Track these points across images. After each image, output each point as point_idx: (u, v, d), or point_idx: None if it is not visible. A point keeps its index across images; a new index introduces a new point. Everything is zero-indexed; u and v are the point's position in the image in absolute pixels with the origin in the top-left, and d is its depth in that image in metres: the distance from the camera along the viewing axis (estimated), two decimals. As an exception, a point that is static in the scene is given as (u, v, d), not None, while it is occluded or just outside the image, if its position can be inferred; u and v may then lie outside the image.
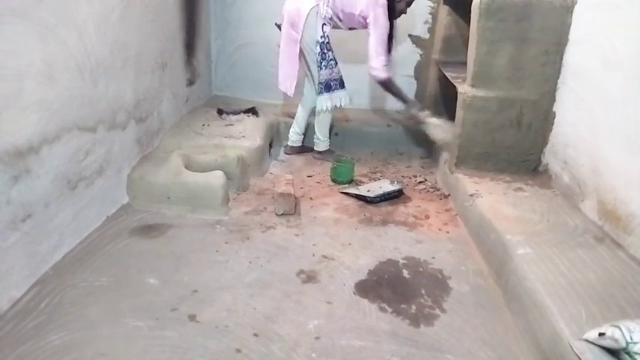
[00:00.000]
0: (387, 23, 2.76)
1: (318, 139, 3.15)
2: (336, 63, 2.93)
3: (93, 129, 2.01)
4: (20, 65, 1.55)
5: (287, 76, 2.98)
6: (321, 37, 2.84)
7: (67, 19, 1.78)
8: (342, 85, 2.98)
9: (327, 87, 2.94)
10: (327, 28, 2.84)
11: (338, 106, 3.00)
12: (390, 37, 2.86)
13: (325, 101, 2.96)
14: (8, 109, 1.52)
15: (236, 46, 3.70)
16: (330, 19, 2.85)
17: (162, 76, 2.72)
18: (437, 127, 2.83)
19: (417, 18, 3.58)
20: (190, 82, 3.28)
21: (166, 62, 2.78)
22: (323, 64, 2.89)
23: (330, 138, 3.18)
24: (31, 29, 1.59)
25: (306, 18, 2.79)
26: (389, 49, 2.88)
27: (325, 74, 2.91)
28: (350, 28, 2.94)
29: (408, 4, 2.85)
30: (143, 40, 2.42)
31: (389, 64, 2.82)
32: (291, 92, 3.01)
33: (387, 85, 2.86)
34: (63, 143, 1.81)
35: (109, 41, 2.08)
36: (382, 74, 2.79)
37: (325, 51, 2.87)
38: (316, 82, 2.95)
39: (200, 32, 3.42)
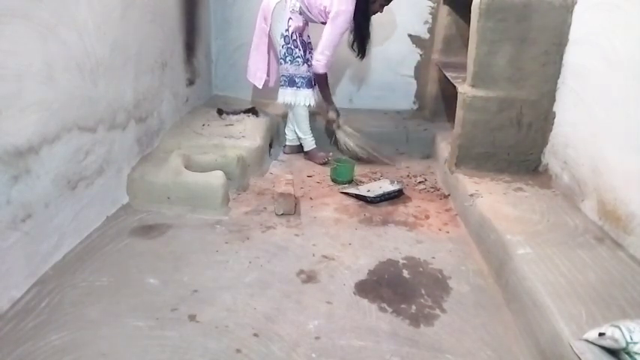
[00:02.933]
0: (346, 25, 2.80)
1: (300, 137, 3.16)
2: (304, 63, 2.94)
3: (93, 129, 2.01)
4: (20, 65, 1.55)
5: (257, 69, 3.02)
6: (286, 31, 2.87)
7: (67, 19, 1.78)
8: (309, 84, 2.98)
9: (290, 82, 2.96)
10: (292, 23, 2.85)
11: (305, 105, 3.00)
12: (365, 36, 2.89)
13: (288, 96, 2.98)
14: (8, 109, 1.52)
15: (236, 45, 3.69)
16: (300, 12, 2.87)
17: (162, 76, 2.72)
18: (349, 136, 3.06)
19: (417, 18, 3.58)
20: (190, 82, 3.28)
21: (166, 62, 2.78)
22: (288, 58, 2.92)
23: (312, 134, 3.16)
24: (31, 29, 1.59)
25: (273, 10, 2.82)
26: (364, 48, 2.93)
27: (290, 69, 2.94)
28: (322, 22, 2.94)
29: (382, 5, 2.85)
30: (143, 40, 2.43)
31: (331, 62, 2.90)
32: (260, 84, 3.03)
33: (321, 81, 2.97)
34: (63, 143, 1.81)
35: (109, 41, 2.08)
36: (322, 69, 2.89)
37: (292, 46, 2.89)
38: (279, 74, 2.99)
39: (200, 32, 3.42)
